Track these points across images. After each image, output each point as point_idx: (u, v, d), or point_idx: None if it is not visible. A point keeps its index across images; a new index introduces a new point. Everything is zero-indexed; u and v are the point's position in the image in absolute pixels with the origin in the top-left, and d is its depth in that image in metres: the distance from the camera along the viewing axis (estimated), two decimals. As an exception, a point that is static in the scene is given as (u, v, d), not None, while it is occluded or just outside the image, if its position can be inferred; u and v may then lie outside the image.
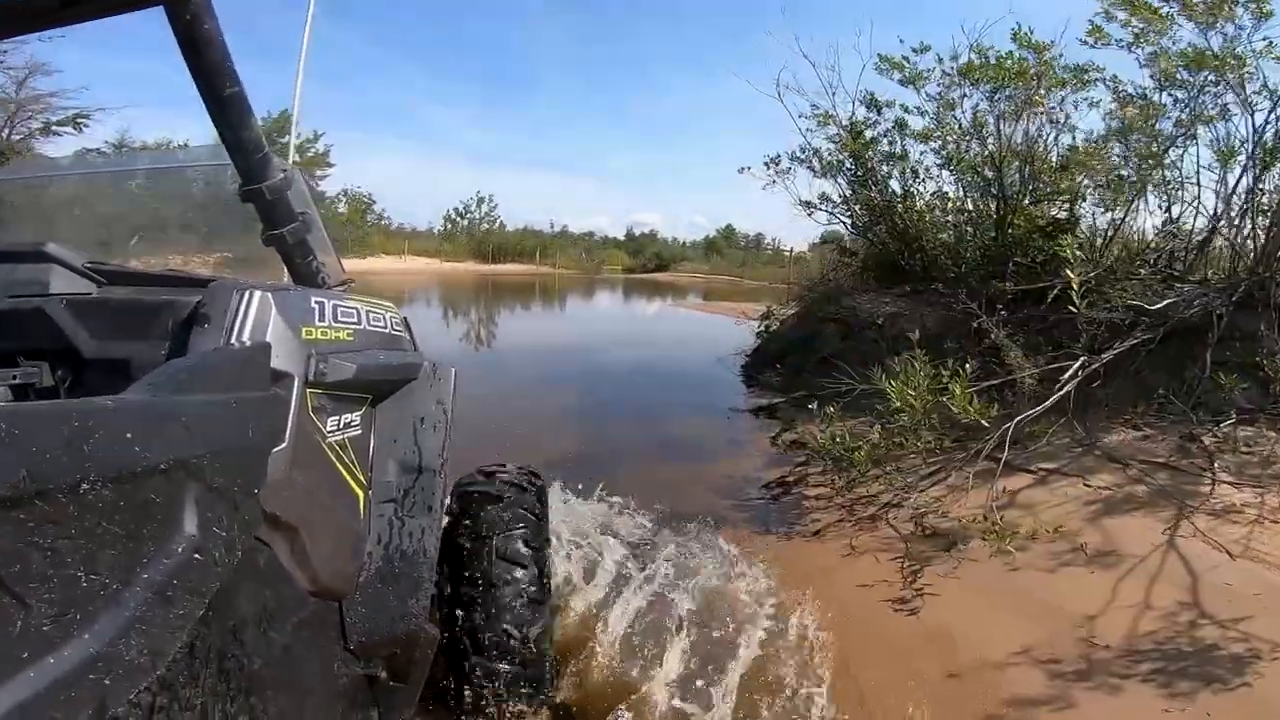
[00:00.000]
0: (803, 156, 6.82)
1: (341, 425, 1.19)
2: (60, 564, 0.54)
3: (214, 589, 0.72)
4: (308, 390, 1.06)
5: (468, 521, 1.76)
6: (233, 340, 0.94)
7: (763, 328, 7.93)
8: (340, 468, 1.18)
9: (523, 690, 1.67)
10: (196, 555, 0.68)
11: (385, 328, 1.35)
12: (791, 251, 47.02)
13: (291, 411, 0.98)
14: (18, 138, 12.64)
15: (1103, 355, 3.57)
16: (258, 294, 0.98)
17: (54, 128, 13.21)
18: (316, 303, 1.13)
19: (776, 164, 7.01)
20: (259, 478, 0.84)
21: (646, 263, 48.33)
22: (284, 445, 0.94)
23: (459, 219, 42.65)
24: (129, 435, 0.60)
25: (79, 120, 13.47)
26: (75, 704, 0.54)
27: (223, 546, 0.73)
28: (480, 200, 42.99)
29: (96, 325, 1.04)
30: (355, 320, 1.23)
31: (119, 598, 0.59)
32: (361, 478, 1.26)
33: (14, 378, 0.99)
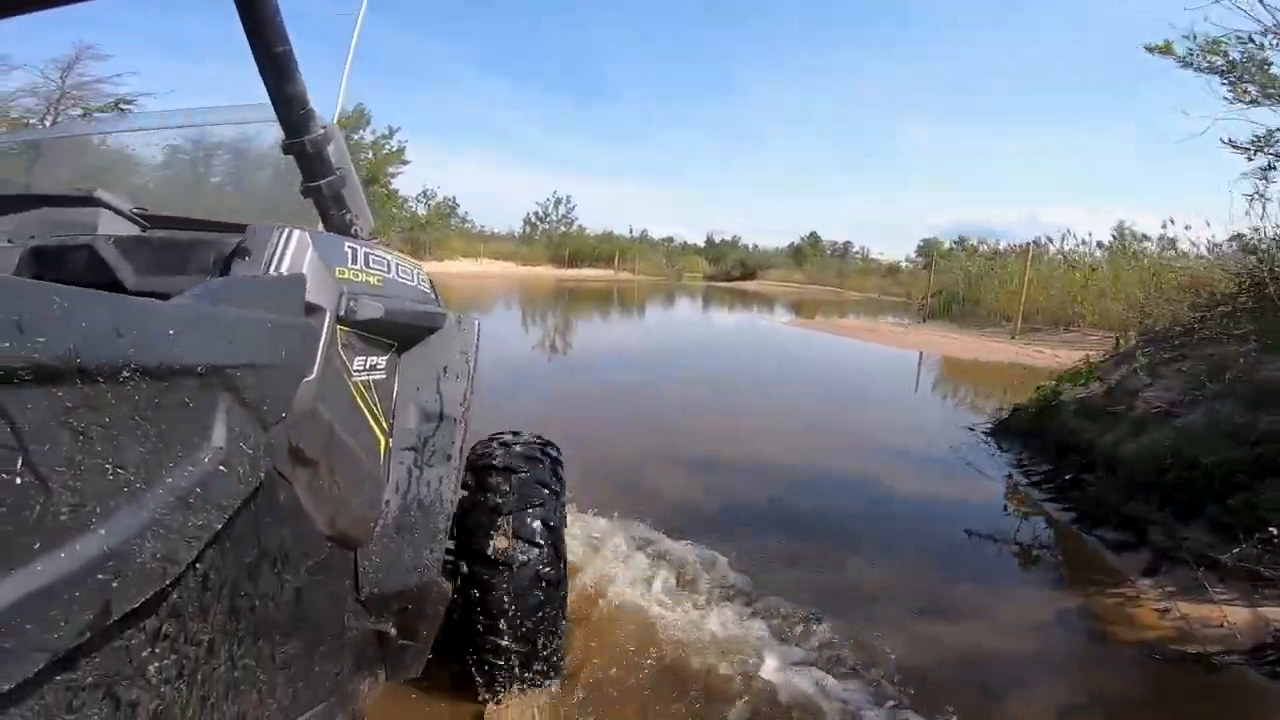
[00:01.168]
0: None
1: (368, 367, 1.22)
2: (89, 451, 0.54)
3: (234, 506, 0.73)
4: (338, 326, 1.08)
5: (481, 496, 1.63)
6: (271, 273, 0.96)
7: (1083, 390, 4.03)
8: (364, 409, 1.20)
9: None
10: (221, 467, 0.70)
11: (412, 281, 1.39)
12: (916, 261, 44.20)
13: (322, 343, 0.99)
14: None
15: None
16: (296, 233, 1.01)
17: (95, 115, 12.09)
18: (350, 247, 1.17)
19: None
20: (288, 401, 0.87)
21: (730, 270, 45.27)
22: (313, 376, 0.95)
23: (538, 222, 41.37)
24: (171, 333, 0.62)
25: (121, 106, 12.32)
26: (79, 603, 0.53)
27: (247, 464, 0.75)
28: (558, 201, 41.57)
29: (141, 261, 1.09)
30: (385, 269, 1.27)
31: (140, 498, 0.59)
32: (384, 423, 1.29)
33: None
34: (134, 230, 1.25)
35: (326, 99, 1.34)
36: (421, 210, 32.52)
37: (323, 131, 1.08)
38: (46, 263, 1.12)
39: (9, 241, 1.18)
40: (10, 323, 0.46)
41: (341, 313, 1.08)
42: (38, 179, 1.75)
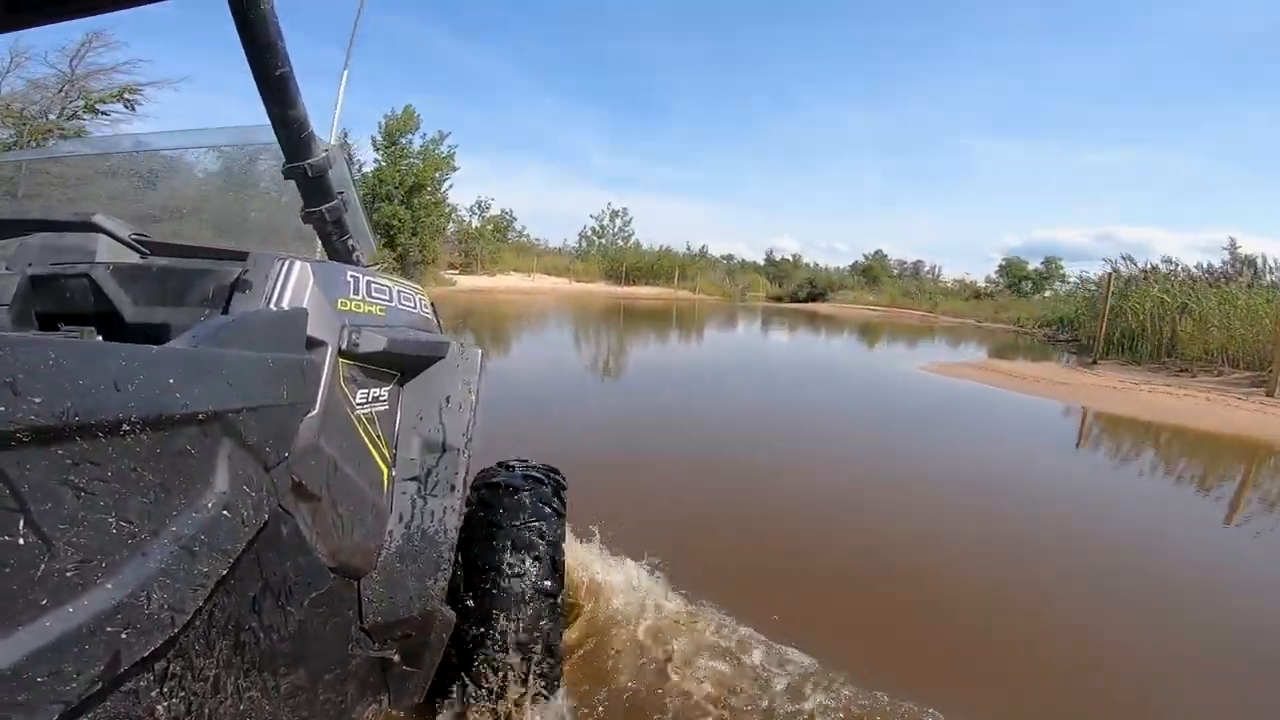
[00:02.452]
0: None
1: (370, 399, 1.20)
2: (92, 506, 0.53)
3: (238, 550, 0.72)
4: (340, 360, 1.07)
5: (483, 513, 1.63)
6: (271, 306, 0.95)
7: None
8: (367, 441, 1.19)
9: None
10: (225, 513, 0.69)
11: (415, 308, 1.39)
12: (997, 282, 39.87)
13: (324, 378, 0.98)
14: (61, 116, 10.08)
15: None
16: (298, 264, 0.99)
17: (99, 105, 10.55)
18: (352, 277, 1.15)
19: None
20: (290, 440, 0.86)
21: (797, 290, 42.03)
22: (315, 411, 0.95)
23: (595, 238, 39.53)
24: (170, 381, 0.60)
25: (128, 97, 10.70)
26: (90, 656, 0.53)
27: (250, 507, 0.74)
28: (614, 214, 39.60)
29: (140, 291, 1.06)
30: (387, 298, 1.26)
31: (145, 548, 0.59)
32: (387, 453, 1.28)
33: None
34: (133, 257, 1.22)
35: (325, 117, 1.40)
36: (475, 222, 31.22)
37: (324, 155, 1.07)
38: (44, 292, 1.10)
39: (6, 268, 1.16)
40: (4, 385, 0.45)
41: (344, 346, 1.07)
42: (35, 200, 1.73)
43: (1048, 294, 34.85)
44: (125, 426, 0.55)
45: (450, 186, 23.58)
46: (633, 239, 39.34)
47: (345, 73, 1.70)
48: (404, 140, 22.11)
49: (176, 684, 0.67)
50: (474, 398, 1.46)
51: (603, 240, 39.27)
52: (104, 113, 10.68)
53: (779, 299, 41.79)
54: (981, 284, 39.68)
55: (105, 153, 1.88)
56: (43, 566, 0.49)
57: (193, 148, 1.72)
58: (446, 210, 23.89)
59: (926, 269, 52.73)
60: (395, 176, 21.59)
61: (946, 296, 36.24)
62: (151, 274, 1.09)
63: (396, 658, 1.27)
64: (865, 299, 37.60)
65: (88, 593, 0.53)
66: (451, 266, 27.78)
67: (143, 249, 1.24)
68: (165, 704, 0.66)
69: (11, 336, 0.48)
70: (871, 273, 52.92)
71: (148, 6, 0.94)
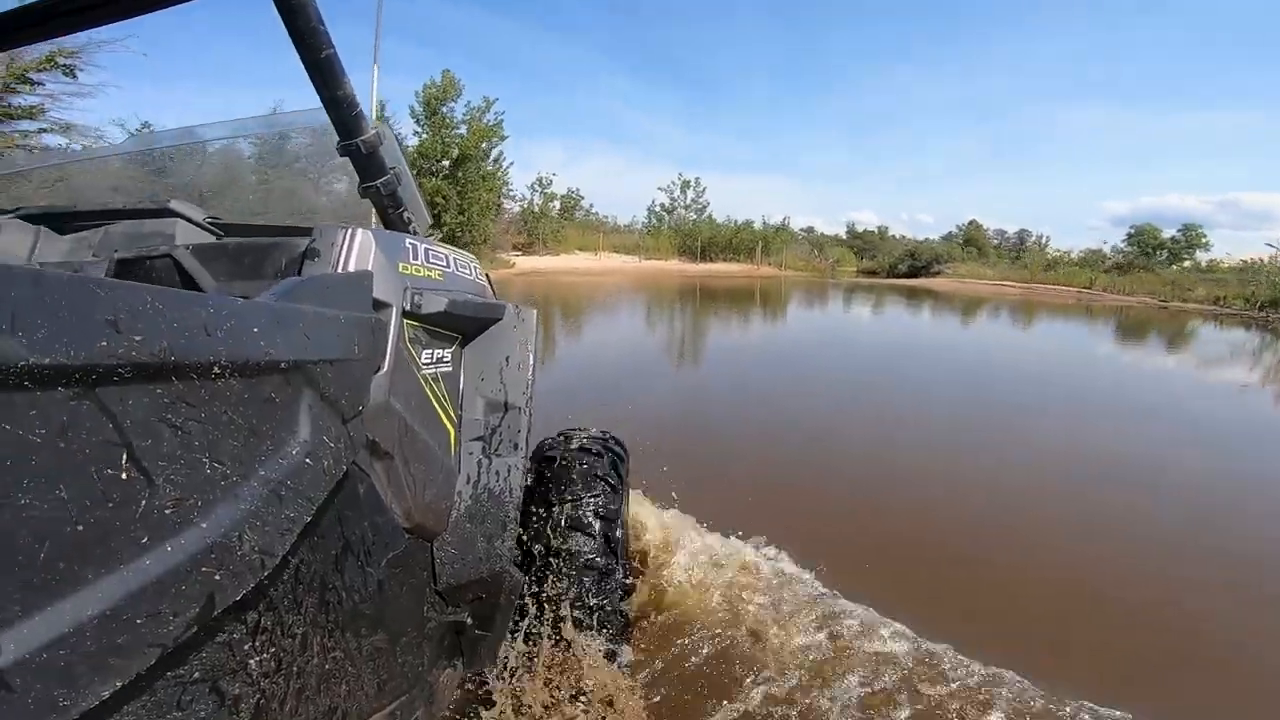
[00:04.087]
0: None
1: (435, 360, 1.22)
2: (188, 445, 0.55)
3: (320, 498, 0.74)
4: (405, 321, 1.09)
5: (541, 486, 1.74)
6: (339, 271, 0.99)
7: None
8: (434, 402, 1.20)
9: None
10: (308, 460, 0.71)
11: (471, 275, 1.40)
12: (1126, 251, 33.51)
13: (391, 337, 1.01)
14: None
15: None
16: (361, 232, 1.03)
17: (31, 75, 8.24)
18: (410, 243, 1.17)
19: None
20: (363, 394, 0.89)
21: (896, 264, 36.93)
22: (385, 369, 0.98)
23: (665, 214, 36.06)
24: (255, 330, 0.63)
25: (63, 62, 8.21)
26: (186, 596, 0.53)
27: (331, 456, 0.76)
28: (685, 184, 35.82)
29: (218, 268, 1.11)
30: (444, 264, 1.27)
31: (237, 490, 0.61)
32: (453, 414, 1.29)
33: None
34: (208, 239, 1.26)
35: (363, 101, 1.06)
36: (537, 200, 28.65)
37: (374, 132, 1.09)
38: (131, 274, 1.12)
39: (94, 255, 1.22)
40: (107, 322, 0.47)
41: (407, 307, 1.09)
42: (114, 192, 1.85)
43: (1186, 264, 30.62)
44: (216, 369, 0.57)
45: (502, 156, 20.95)
46: (706, 211, 35.58)
47: (376, 51, 1.59)
48: (445, 109, 19.62)
49: (267, 639, 0.69)
50: (532, 358, 1.47)
51: (672, 217, 35.75)
52: (39, 83, 8.54)
53: (873, 273, 36.93)
54: (1106, 251, 33.73)
55: (176, 144, 1.91)
56: (143, 502, 0.50)
57: (250, 135, 1.79)
58: (497, 184, 21.24)
59: (1032, 239, 47.14)
60: (438, 149, 19.39)
61: (1080, 268, 30.45)
62: (228, 252, 1.14)
63: (469, 621, 1.29)
64: (982, 273, 32.24)
65: (184, 531, 0.54)
66: (515, 248, 25.53)
67: (217, 230, 1.30)
68: (257, 659, 0.68)
69: (113, 280, 0.50)
70: (975, 243, 47.20)
71: (182, 5, 1.00)
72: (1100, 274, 27.71)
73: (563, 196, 31.04)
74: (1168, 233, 34.08)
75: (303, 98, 1.24)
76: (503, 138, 20.39)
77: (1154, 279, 25.63)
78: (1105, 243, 36.02)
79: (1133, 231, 35.06)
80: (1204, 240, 33.11)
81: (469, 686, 1.51)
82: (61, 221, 1.33)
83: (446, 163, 19.52)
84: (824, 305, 16.32)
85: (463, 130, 19.55)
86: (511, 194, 25.89)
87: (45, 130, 9.01)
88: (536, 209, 28.22)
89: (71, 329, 0.45)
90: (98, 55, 8.79)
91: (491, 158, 20.82)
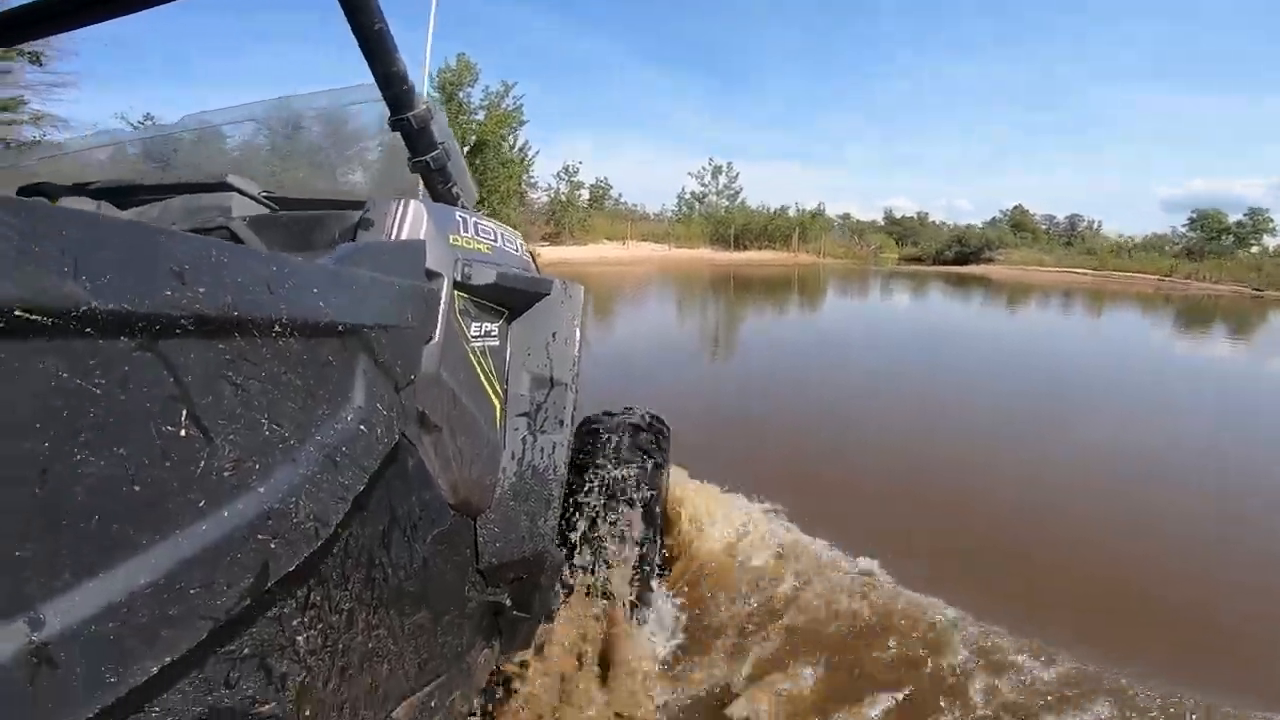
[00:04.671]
0: None
1: (483, 333, 1.21)
2: (248, 405, 0.53)
3: (374, 467, 0.72)
4: (455, 293, 1.09)
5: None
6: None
7: None
8: (482, 376, 1.19)
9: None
10: (362, 427, 0.70)
11: (517, 250, 1.38)
12: (1188, 237, 31.12)
13: (442, 307, 1.01)
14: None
15: None
16: (413, 203, 1.03)
17: None
18: (460, 216, 1.17)
19: None
20: (415, 363, 0.88)
21: (942, 250, 34.74)
22: (436, 339, 0.98)
23: (695, 201, 34.55)
24: (315, 290, 0.62)
25: (31, 50, 7.46)
26: (240, 566, 0.51)
27: (383, 424, 0.74)
28: (716, 170, 34.18)
29: (275, 239, 1.10)
30: (492, 238, 1.26)
31: (294, 454, 0.59)
32: (499, 389, 1.27)
33: None
34: (264, 212, 1.26)
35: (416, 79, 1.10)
36: (564, 189, 27.56)
37: (424, 107, 1.09)
38: None
39: None
40: (172, 272, 0.46)
41: (458, 278, 1.09)
42: (172, 169, 1.83)
43: (1254, 249, 29.66)
44: (277, 327, 0.56)
45: (527, 145, 19.86)
46: (740, 197, 33.93)
47: (431, 26, 1.60)
48: (462, 95, 18.58)
49: (315, 615, 0.68)
50: (579, 333, 1.45)
51: (704, 203, 34.22)
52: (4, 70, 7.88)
53: (918, 260, 34.88)
54: (1172, 239, 31.95)
55: (231, 120, 1.92)
56: (202, 463, 0.48)
57: (312, 110, 1.81)
58: (518, 170, 20.14)
59: (1084, 224, 45.95)
60: (458, 134, 18.21)
61: (1146, 253, 28.01)
62: (283, 223, 1.14)
63: (508, 602, 1.26)
64: (1039, 259, 29.95)
65: (242, 496, 0.52)
66: (543, 238, 24.61)
67: (272, 204, 1.29)
68: (305, 635, 0.66)
69: (178, 231, 0.49)
70: (1025, 227, 44.83)
71: None
72: (1179, 260, 25.33)
73: (591, 186, 29.99)
74: (1233, 217, 33.01)
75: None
76: (521, 122, 19.34)
77: (1238, 265, 23.24)
78: (1173, 228, 33.99)
79: (1195, 216, 33.65)
80: (1271, 225, 32.34)
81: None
82: (121, 196, 1.33)
83: (464, 150, 18.56)
84: (888, 298, 14.76)
85: (480, 116, 18.50)
86: (534, 182, 24.87)
87: (17, 122, 8.37)
88: (563, 198, 27.16)
89: (136, 276, 0.43)
90: (66, 42, 8.07)
91: (516, 146, 19.79)
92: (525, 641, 1.34)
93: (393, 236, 0.97)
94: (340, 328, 0.66)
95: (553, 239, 25.53)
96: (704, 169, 34.51)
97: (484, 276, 1.13)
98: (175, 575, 0.45)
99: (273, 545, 0.54)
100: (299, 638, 0.64)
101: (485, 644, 1.22)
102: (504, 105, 19.12)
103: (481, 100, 19.03)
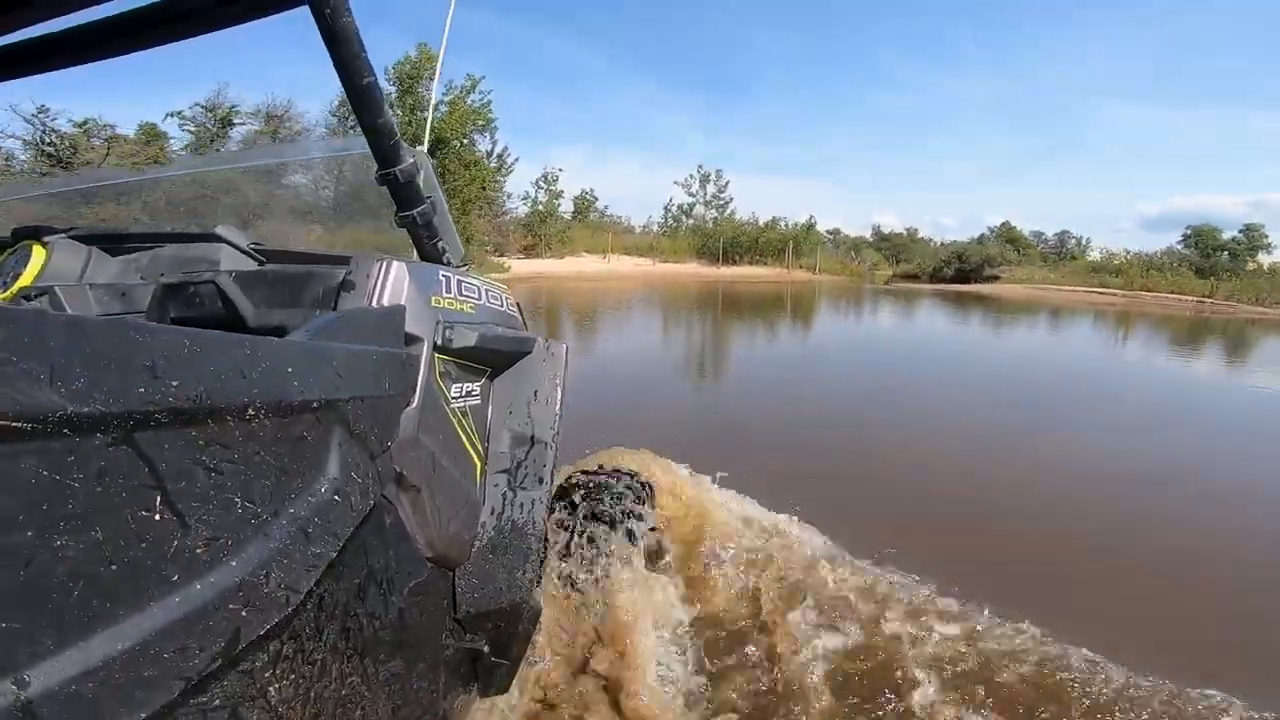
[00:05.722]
0: None
1: (464, 394, 1.22)
2: (221, 486, 0.55)
3: (348, 533, 0.74)
4: (436, 355, 1.09)
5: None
6: (373, 304, 1.00)
7: None
8: (462, 436, 1.20)
9: None
10: (336, 497, 0.71)
11: (501, 306, 1.40)
12: (1183, 253, 30.26)
13: (421, 372, 1.01)
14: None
15: None
16: (395, 264, 1.04)
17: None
18: (443, 276, 1.18)
19: None
20: (393, 430, 0.89)
21: (940, 267, 33.20)
22: (414, 404, 0.98)
23: (683, 215, 32.66)
24: (289, 370, 0.63)
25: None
26: (213, 632, 0.54)
27: (358, 493, 0.76)
28: (705, 178, 32.26)
29: (260, 296, 1.11)
30: (476, 296, 1.28)
31: (266, 529, 0.61)
32: (480, 447, 1.29)
33: None
34: (252, 265, 1.27)
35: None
36: (541, 197, 25.50)
37: (412, 160, 1.09)
38: (176, 298, 1.15)
39: (141, 278, 1.26)
40: (145, 368, 0.48)
41: (439, 341, 1.10)
42: (160, 213, 1.91)
43: (1250, 267, 28.69)
44: (250, 411, 0.57)
45: (506, 152, 17.80)
46: (729, 208, 32.09)
47: (436, 80, 1.91)
48: (422, 89, 16.50)
49: (288, 666, 0.69)
50: (560, 392, 1.46)
51: (691, 215, 32.35)
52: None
53: (913, 277, 33.30)
54: (1160, 255, 30.96)
55: (220, 166, 1.99)
56: (175, 542, 0.51)
57: (298, 160, 1.88)
58: (483, 174, 18.01)
59: (1074, 239, 45.13)
60: (410, 132, 16.12)
61: (1160, 272, 26.65)
62: (269, 279, 1.14)
63: (486, 649, 1.29)
64: (1045, 277, 28.43)
65: (214, 570, 0.54)
66: (520, 250, 22.53)
67: (260, 257, 1.29)
68: (277, 685, 0.68)
69: (152, 325, 0.51)
70: (1017, 244, 43.82)
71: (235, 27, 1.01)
72: (1213, 281, 23.90)
73: (576, 198, 28.02)
74: (1228, 234, 31.84)
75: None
76: (489, 119, 17.28)
77: (1260, 283, 21.79)
78: (1175, 244, 32.83)
79: (1189, 233, 32.48)
80: (1266, 241, 31.27)
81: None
82: (112, 242, 1.35)
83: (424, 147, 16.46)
84: (936, 331, 12.80)
85: (441, 110, 16.40)
86: (508, 192, 22.79)
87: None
88: (541, 207, 25.11)
89: (110, 376, 0.45)
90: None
91: (494, 152, 17.71)
92: (503, 685, 1.36)
93: (374, 298, 0.99)
94: (315, 404, 0.67)
95: (529, 251, 23.47)
96: (691, 177, 32.66)
97: (465, 339, 1.14)
98: (149, 642, 0.48)
99: (244, 613, 0.57)
100: (271, 688, 0.66)
101: (463, 689, 1.26)
102: (469, 101, 17.03)
103: (444, 95, 16.96)
